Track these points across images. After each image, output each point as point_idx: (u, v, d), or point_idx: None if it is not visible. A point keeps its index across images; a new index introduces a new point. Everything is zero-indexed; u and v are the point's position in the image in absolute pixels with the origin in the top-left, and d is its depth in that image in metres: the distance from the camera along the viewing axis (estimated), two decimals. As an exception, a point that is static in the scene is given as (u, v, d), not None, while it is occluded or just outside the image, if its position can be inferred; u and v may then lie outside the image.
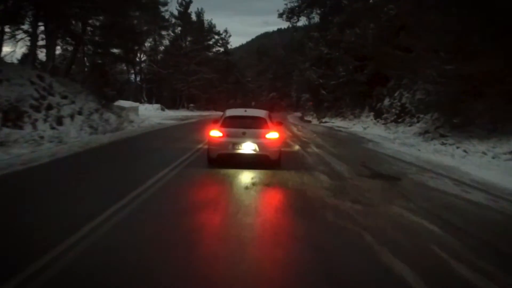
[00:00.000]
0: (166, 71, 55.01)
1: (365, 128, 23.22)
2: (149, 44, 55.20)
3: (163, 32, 58.37)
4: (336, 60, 28.70)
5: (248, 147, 9.58)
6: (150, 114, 38.86)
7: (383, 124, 23.92)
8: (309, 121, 30.51)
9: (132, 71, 54.22)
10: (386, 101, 25.21)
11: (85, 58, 25.95)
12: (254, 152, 9.60)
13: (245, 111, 11.15)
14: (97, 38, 23.47)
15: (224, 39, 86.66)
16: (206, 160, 9.97)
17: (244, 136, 9.58)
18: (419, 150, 14.27)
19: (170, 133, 20.42)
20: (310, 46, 33.64)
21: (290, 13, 41.03)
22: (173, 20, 57.77)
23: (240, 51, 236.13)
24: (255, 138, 9.62)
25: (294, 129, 22.73)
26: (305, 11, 38.92)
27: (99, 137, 15.98)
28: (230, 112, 10.90)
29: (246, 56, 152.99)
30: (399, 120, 22.69)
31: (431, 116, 19.54)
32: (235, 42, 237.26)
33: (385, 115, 24.44)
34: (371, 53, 26.09)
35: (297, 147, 13.74)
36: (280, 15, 42.48)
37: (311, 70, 31.03)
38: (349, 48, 28.09)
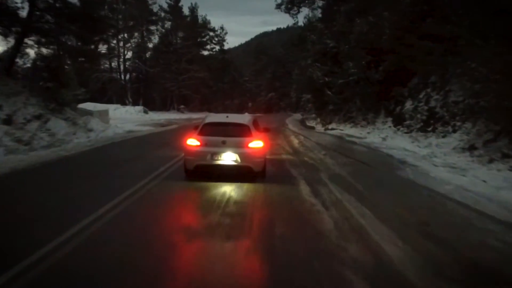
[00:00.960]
0: (153, 69, 50.16)
1: (384, 139, 18.32)
2: (135, 40, 50.34)
3: (152, 27, 53.51)
4: (345, 54, 23.87)
5: (228, 158, 8.72)
6: (130, 118, 34.05)
7: (406, 133, 19.04)
8: (312, 128, 25.62)
9: (118, 69, 49.41)
10: (408, 104, 20.34)
11: (33, 50, 20.78)
12: (235, 163, 8.73)
13: (227, 117, 10.17)
14: (46, 26, 18.55)
15: (220, 37, 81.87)
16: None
17: (224, 146, 8.73)
18: (484, 181, 9.40)
19: (128, 149, 15.43)
20: (313, 39, 28.82)
21: (289, 3, 36.07)
22: (163, 14, 52.89)
23: (238, 50, 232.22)
24: (236, 147, 8.76)
25: (295, 141, 17.89)
26: (307, 1, 34.03)
27: (16, 158, 11.14)
28: (210, 118, 10.02)
29: (244, 55, 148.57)
30: (428, 129, 17.82)
31: (474, 125, 14.72)
32: (233, 42, 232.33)
33: (407, 122, 19.56)
34: (388, 45, 21.26)
35: (302, 185, 8.63)
36: (278, 6, 37.55)
37: (315, 66, 26.13)
38: (361, 40, 23.25)
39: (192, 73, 49.60)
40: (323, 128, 24.62)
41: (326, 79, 24.49)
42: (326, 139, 18.79)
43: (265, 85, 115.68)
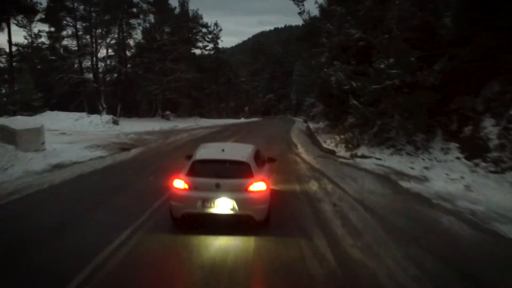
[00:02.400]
0: (133, 69, 42.45)
1: (467, 188, 10.76)
2: (113, 36, 42.60)
3: (133, 21, 45.78)
4: (382, 49, 16.33)
5: (223, 205, 6.95)
6: (92, 131, 26.42)
7: (493, 172, 11.54)
8: (332, 152, 17.87)
9: (93, 69, 41.66)
10: (489, 125, 12.84)
11: None
12: (232, 212, 6.94)
13: (223, 150, 7.76)
14: None
15: (214, 34, 74.30)
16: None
17: (218, 190, 6.95)
18: None
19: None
20: (329, 29, 21.22)
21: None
22: (144, 6, 45.13)
23: (235, 50, 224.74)
24: (233, 191, 6.98)
25: (326, 209, 10.10)
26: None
27: None
28: (201, 153, 7.95)
29: (241, 55, 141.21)
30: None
31: None
32: (230, 42, 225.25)
33: (494, 155, 12.08)
34: (456, 32, 13.74)
35: None
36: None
37: (334, 66, 18.45)
38: (403, 28, 15.78)
39: (179, 73, 41.90)
40: (348, 154, 16.98)
41: (354, 84, 16.80)
42: (366, 185, 11.11)
43: (263, 86, 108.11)
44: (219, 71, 76.34)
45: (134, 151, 17.34)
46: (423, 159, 14.34)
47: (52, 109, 35.31)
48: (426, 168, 13.32)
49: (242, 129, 31.27)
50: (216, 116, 75.72)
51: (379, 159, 15.32)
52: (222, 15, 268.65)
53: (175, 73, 42.02)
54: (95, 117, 29.08)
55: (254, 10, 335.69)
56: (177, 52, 42.29)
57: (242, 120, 57.11)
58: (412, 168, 13.63)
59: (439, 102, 14.92)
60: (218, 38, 75.57)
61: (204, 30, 68.21)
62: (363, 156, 16.02)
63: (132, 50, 45.53)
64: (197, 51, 70.83)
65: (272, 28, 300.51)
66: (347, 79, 17.76)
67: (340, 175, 12.25)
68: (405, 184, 11.29)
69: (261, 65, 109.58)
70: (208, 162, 7.54)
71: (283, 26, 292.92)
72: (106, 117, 29.27)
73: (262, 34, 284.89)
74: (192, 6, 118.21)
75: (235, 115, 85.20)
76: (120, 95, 42.41)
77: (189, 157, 8.11)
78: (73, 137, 22.66)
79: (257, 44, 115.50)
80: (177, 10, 59.08)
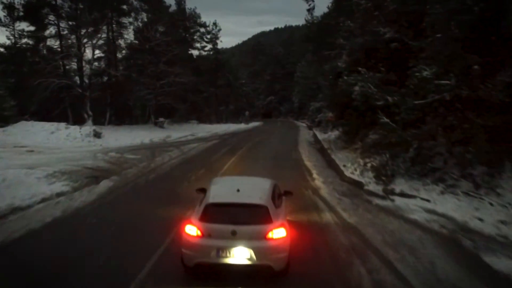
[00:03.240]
0: (124, 72, 38.47)
1: None
2: (101, 36, 38.58)
3: (124, 20, 41.80)
4: (418, 53, 12.35)
5: (240, 255, 6.27)
6: (68, 147, 22.55)
7: None
8: (359, 184, 13.77)
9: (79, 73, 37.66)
10: None
11: None
12: (250, 262, 6.27)
13: (238, 190, 6.82)
14: None
15: (213, 34, 70.27)
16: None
17: (234, 238, 6.24)
18: None
19: None
20: (349, 27, 17.18)
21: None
22: (135, 2, 41.13)
23: (234, 50, 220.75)
24: (250, 240, 6.32)
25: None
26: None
27: None
28: (215, 194, 6.96)
29: (241, 55, 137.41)
30: None
31: None
32: (229, 42, 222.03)
33: None
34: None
35: None
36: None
37: (361, 75, 14.32)
38: (457, 26, 11.85)
39: (173, 77, 37.90)
40: (381, 188, 13.01)
41: (390, 98, 12.80)
42: (438, 267, 7.20)
43: (264, 87, 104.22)
44: (218, 72, 72.39)
45: (103, 185, 13.29)
46: (491, 203, 10.37)
47: (31, 117, 31.42)
48: (502, 222, 9.36)
49: (242, 142, 27.21)
50: (215, 120, 71.83)
51: (427, 200, 11.32)
52: (221, 15, 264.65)
53: (169, 77, 37.98)
54: (74, 129, 25.10)
55: (253, 10, 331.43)
56: (172, 53, 38.22)
57: (242, 125, 53.12)
58: (480, 219, 9.64)
59: (506, 124, 11.01)
60: (217, 38, 71.53)
61: (202, 30, 64.28)
62: (403, 194, 12.01)
63: (124, 52, 41.50)
64: (195, 52, 67.38)
65: (272, 28, 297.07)
66: (380, 92, 13.74)
67: (390, 242, 8.23)
68: (492, 261, 7.30)
69: (261, 66, 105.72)
70: (223, 205, 6.77)
71: (283, 26, 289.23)
72: (87, 129, 25.24)
73: (263, 34, 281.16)
74: (189, 5, 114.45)
75: (235, 118, 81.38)
76: (110, 101, 38.41)
77: (200, 190, 7.69)
78: (40, 157, 18.69)
79: (258, 45, 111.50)
80: (173, 9, 55.32)
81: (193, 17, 60.04)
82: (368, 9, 15.56)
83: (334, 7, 22.40)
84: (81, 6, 36.65)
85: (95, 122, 37.67)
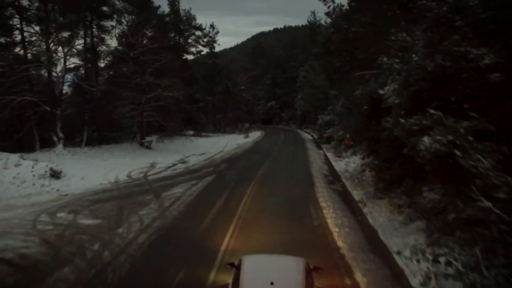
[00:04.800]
0: (103, 85, 32.46)
1: None
2: (76, 43, 32.59)
3: (106, 24, 35.84)
4: None
5: None
6: (11, 194, 16.68)
7: None
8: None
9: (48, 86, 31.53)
10: None
11: None
12: None
13: (272, 283, 5.79)
14: None
15: (210, 37, 64.42)
16: None
17: None
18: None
19: None
20: (401, 39, 11.45)
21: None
22: (118, 3, 35.14)
23: (234, 51, 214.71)
24: None
25: None
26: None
27: None
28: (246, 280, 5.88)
29: (239, 59, 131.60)
30: None
31: None
32: (228, 42, 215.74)
33: None
34: None
35: None
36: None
37: (435, 121, 8.63)
38: None
39: (160, 91, 31.95)
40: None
41: (486, 163, 7.00)
42: None
43: (264, 92, 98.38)
44: (215, 79, 66.56)
45: None
46: None
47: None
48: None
49: (243, 181, 21.10)
50: (213, 129, 65.97)
51: None
52: (218, 16, 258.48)
53: (156, 90, 32.07)
54: (26, 167, 19.14)
55: (251, 10, 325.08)
56: (160, 63, 32.28)
57: (241, 139, 47.18)
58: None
59: None
60: (215, 41, 65.81)
61: (198, 33, 58.51)
62: None
63: (105, 61, 35.52)
64: (191, 57, 61.62)
65: (271, 28, 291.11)
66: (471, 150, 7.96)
67: None
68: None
69: (261, 69, 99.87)
70: None
71: (282, 27, 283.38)
72: (41, 168, 19.31)
73: (262, 34, 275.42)
74: (183, 6, 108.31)
75: (234, 126, 75.59)
76: (88, 118, 32.49)
77: (230, 265, 6.85)
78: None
79: (257, 47, 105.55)
80: (165, 10, 49.47)
81: (188, 19, 54.22)
82: (442, 16, 9.67)
83: (362, 9, 16.50)
84: (53, 7, 30.73)
85: (70, 143, 31.86)
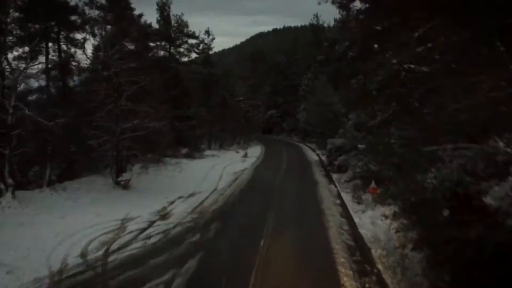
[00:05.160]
0: (53, 121, 26.27)
1: None
2: (37, 60, 26.52)
3: (78, 36, 29.81)
4: None
5: None
6: None
7: None
8: None
9: None
10: None
11: None
12: None
13: None
14: None
15: (205, 44, 58.46)
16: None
17: None
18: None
19: None
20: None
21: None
22: (87, 10, 29.08)
23: (233, 52, 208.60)
24: None
25: None
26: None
27: None
28: None
29: (238, 61, 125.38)
30: None
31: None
32: (226, 43, 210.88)
33: None
34: None
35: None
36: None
37: None
38: None
39: (139, 121, 25.95)
40: None
41: None
42: None
43: (264, 99, 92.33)
44: (211, 89, 60.55)
45: None
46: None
47: None
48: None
49: (238, 267, 15.20)
50: (208, 145, 59.97)
51: None
52: (216, 15, 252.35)
53: (135, 118, 26.12)
54: None
55: (249, 10, 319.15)
56: (138, 85, 26.30)
57: (239, 166, 41.17)
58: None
59: None
60: (210, 49, 59.83)
61: (192, 41, 52.44)
62: None
63: (73, 81, 29.44)
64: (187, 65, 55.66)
65: (270, 29, 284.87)
66: None
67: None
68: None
69: (261, 75, 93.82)
70: None
71: (282, 27, 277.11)
72: None
73: (261, 35, 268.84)
74: (176, 11, 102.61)
75: (232, 140, 69.64)
76: (51, 153, 26.50)
77: None
78: None
79: (256, 52, 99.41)
80: (153, 19, 43.42)
81: (179, 26, 48.18)
82: None
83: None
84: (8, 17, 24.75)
85: (32, 184, 25.95)
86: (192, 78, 57.79)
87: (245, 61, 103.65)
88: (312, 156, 48.31)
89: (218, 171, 36.58)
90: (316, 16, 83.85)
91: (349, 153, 34.15)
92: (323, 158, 44.27)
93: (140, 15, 34.04)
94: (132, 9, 31.98)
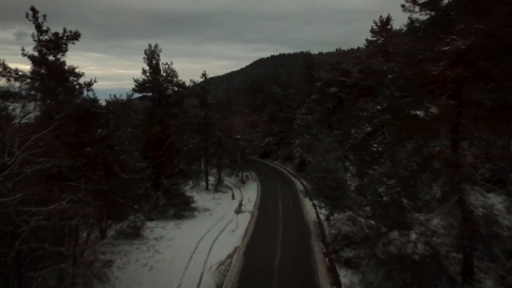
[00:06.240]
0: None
1: None
2: None
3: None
4: None
5: None
6: None
7: None
8: None
9: None
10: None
11: None
12: None
13: None
14: None
15: (201, 87, 46.15)
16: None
17: None
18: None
19: None
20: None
21: None
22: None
23: (236, 77, 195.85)
24: None
25: None
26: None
27: None
28: None
29: (239, 86, 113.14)
30: None
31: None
32: (231, 66, 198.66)
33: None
34: None
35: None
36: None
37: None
38: None
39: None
40: None
41: None
42: None
43: (262, 126, 79.97)
44: (208, 132, 48.06)
45: None
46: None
47: None
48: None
49: None
50: (205, 189, 47.59)
51: None
52: (223, 44, 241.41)
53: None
54: None
55: (250, 40, 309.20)
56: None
57: (231, 239, 28.71)
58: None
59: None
60: (207, 92, 47.34)
61: (190, 83, 39.80)
62: None
63: None
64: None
65: (269, 55, 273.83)
66: None
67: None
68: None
69: (259, 105, 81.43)
70: None
71: (278, 54, 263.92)
72: None
73: (261, 60, 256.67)
74: (193, 40, 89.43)
75: (230, 171, 57.32)
76: None
77: None
78: None
79: (254, 84, 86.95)
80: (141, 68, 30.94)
81: (168, 76, 35.74)
82: None
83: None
84: None
85: None
86: (190, 120, 45.61)
87: (245, 90, 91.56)
88: (311, 214, 35.25)
89: (202, 258, 24.26)
90: (309, 53, 71.15)
91: (358, 245, 21.75)
92: (322, 216, 32.15)
93: (76, 91, 20.23)
94: (66, 79, 19.19)
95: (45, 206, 14.30)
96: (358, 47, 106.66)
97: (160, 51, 34.73)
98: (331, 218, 27.25)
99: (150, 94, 34.62)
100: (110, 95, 43.08)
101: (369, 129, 15.73)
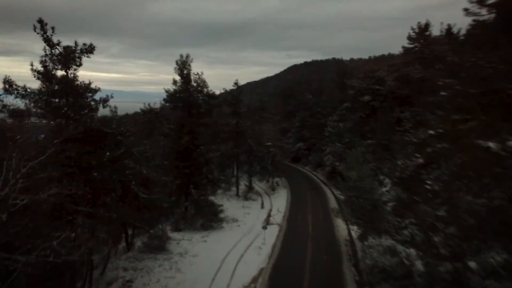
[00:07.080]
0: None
1: None
2: None
3: None
4: None
5: None
6: None
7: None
8: None
9: None
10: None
11: None
12: None
13: None
14: None
15: (233, 95, 43.18)
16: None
17: None
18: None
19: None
20: None
21: None
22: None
23: (274, 79, 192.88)
24: None
25: None
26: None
27: None
28: None
29: (274, 91, 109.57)
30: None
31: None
32: (268, 72, 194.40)
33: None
34: None
35: None
36: None
37: None
38: None
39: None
40: None
41: None
42: None
43: (293, 132, 75.95)
44: (240, 139, 45.03)
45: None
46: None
47: None
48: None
49: None
50: (235, 195, 44.57)
51: None
52: (259, 51, 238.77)
53: None
54: None
55: (284, 47, 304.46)
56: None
57: (255, 262, 25.28)
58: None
59: None
60: (240, 101, 44.27)
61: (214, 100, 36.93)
62: None
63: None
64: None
65: (302, 61, 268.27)
66: None
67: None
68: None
69: (291, 111, 77.45)
70: None
71: (310, 60, 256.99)
72: None
73: (295, 66, 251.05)
74: (236, 48, 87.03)
75: (261, 176, 53.92)
76: None
77: None
78: None
79: (287, 90, 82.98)
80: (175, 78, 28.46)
81: (198, 86, 33.02)
82: None
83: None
84: None
85: None
86: (222, 129, 42.89)
87: (278, 95, 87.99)
88: (342, 231, 30.98)
89: (225, 280, 21.10)
90: (341, 59, 66.04)
91: (400, 282, 17.56)
92: (353, 233, 27.94)
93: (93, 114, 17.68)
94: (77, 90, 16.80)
95: (44, 241, 11.73)
96: (389, 53, 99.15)
97: (191, 61, 32.09)
98: (365, 243, 23.02)
99: (180, 104, 32.05)
100: (148, 104, 40.64)
101: (420, 160, 11.74)
